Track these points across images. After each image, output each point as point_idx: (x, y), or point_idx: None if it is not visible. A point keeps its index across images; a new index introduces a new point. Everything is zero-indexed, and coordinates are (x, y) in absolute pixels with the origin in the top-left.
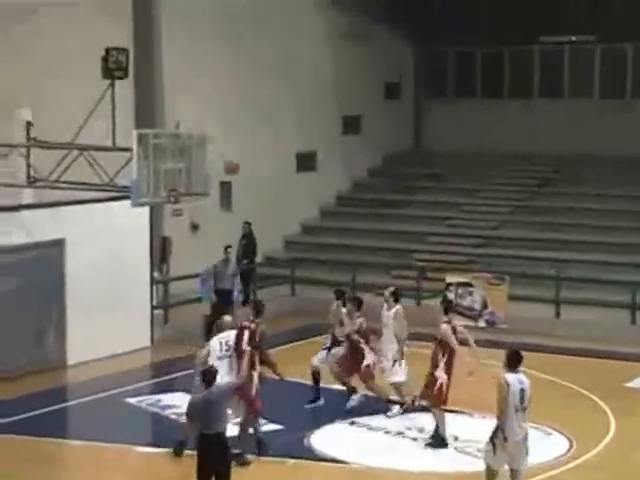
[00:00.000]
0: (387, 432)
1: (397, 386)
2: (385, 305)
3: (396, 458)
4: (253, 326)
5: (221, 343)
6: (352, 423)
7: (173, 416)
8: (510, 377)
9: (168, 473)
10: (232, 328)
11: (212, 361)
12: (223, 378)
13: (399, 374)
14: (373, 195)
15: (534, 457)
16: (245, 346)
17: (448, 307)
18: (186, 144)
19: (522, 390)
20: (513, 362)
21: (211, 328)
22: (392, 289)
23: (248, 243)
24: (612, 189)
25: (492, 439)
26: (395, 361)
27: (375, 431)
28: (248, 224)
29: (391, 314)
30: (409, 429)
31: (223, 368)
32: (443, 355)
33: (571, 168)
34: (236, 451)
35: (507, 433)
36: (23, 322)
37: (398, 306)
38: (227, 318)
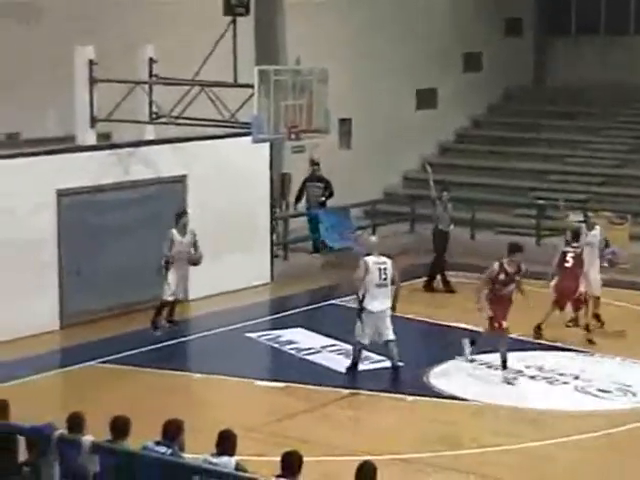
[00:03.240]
0: None
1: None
2: (584, 228)
3: (514, 396)
4: None
5: (380, 270)
6: (471, 360)
7: (292, 352)
8: None
9: (286, 406)
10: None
11: (371, 288)
12: (383, 304)
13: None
14: (493, 133)
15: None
16: None
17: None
18: (307, 80)
19: None
20: None
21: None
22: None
23: (326, 186)
24: None
25: None
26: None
27: (494, 369)
28: (318, 165)
29: (597, 233)
30: (528, 367)
31: (382, 295)
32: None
33: None
34: None
35: None
36: (146, 256)
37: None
38: (373, 239)
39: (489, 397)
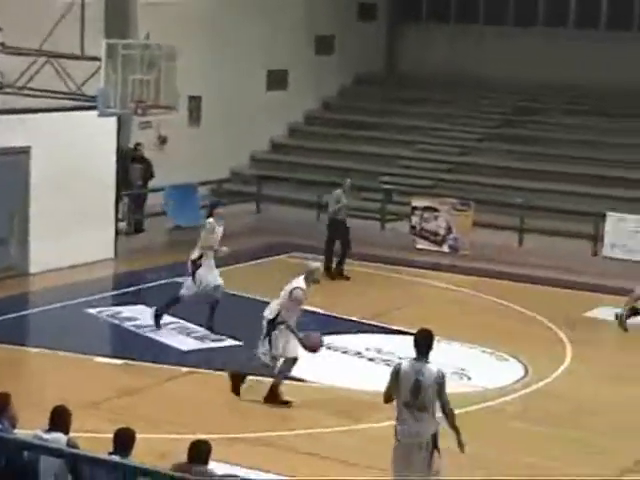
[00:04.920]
0: (345, 352)
1: None
2: None
3: (354, 378)
4: None
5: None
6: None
7: (132, 328)
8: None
9: (124, 383)
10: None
11: None
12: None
13: None
14: (343, 116)
15: (489, 382)
16: None
17: None
18: (155, 56)
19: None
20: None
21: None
22: None
23: (146, 167)
24: (582, 119)
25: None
26: None
27: (333, 350)
28: (140, 144)
29: None
30: (368, 349)
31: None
32: None
33: (543, 98)
34: None
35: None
36: None
37: None
38: (314, 264)
39: (329, 379)
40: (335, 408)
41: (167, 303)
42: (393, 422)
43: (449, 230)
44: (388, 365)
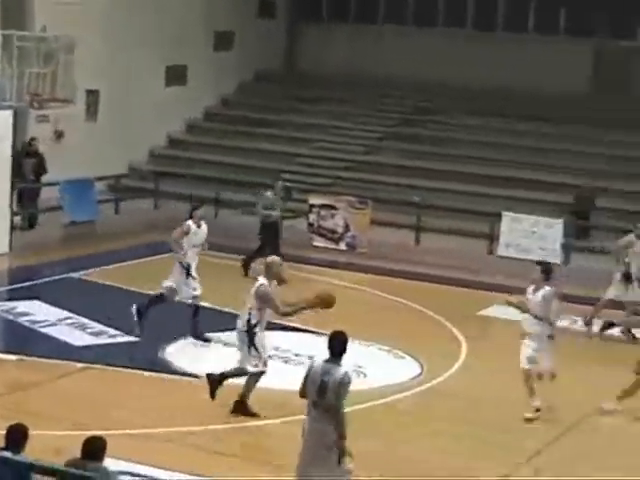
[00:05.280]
0: None
1: None
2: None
3: None
4: None
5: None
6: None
7: (26, 323)
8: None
9: (17, 379)
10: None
11: None
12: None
13: None
14: (242, 113)
15: (384, 379)
16: None
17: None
18: (52, 49)
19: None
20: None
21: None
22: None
23: (38, 162)
24: (481, 120)
25: None
26: None
27: (229, 347)
28: (35, 139)
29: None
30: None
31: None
32: None
33: (443, 98)
34: None
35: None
36: None
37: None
38: (273, 259)
39: None
40: (230, 404)
41: (194, 314)
42: (286, 419)
43: (347, 228)
44: (285, 362)
